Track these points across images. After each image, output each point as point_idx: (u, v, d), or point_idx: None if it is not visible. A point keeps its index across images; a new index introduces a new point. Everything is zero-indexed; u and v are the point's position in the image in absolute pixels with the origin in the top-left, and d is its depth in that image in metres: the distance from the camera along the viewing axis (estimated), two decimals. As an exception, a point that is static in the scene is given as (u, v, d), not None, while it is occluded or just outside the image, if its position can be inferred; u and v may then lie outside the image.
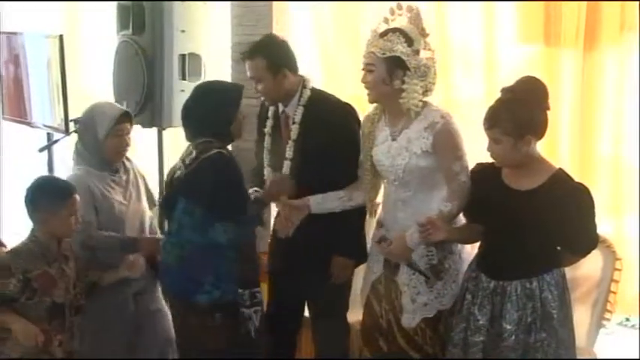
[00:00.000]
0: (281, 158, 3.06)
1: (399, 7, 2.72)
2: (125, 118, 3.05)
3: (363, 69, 2.75)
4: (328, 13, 4.42)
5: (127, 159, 3.18)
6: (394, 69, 2.65)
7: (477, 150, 4.10)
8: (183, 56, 3.73)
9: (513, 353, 2.52)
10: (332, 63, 4.42)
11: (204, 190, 2.66)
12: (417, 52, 2.67)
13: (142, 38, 3.70)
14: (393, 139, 2.76)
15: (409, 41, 2.65)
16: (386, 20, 2.73)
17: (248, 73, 3.08)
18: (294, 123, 3.05)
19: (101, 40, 4.65)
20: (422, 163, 2.68)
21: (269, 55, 3.00)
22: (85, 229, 2.87)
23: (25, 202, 2.74)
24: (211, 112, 2.74)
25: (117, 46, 3.83)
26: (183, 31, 3.73)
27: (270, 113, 3.18)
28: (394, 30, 2.66)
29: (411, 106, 2.67)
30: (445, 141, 2.66)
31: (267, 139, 3.16)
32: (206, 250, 2.70)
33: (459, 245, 2.77)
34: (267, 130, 3.16)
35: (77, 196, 2.74)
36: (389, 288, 2.80)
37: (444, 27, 4.29)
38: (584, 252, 2.61)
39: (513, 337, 2.52)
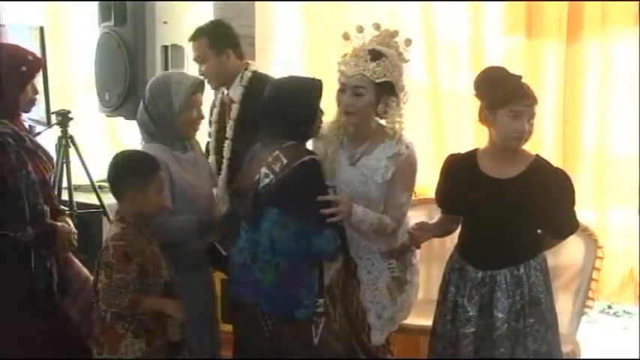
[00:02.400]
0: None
1: (377, 27, 2.62)
2: (199, 87, 2.74)
3: (342, 89, 2.59)
4: (315, 6, 4.42)
5: None
6: (383, 94, 2.57)
7: (460, 140, 4.16)
8: (165, 48, 3.71)
9: (507, 341, 2.51)
10: (318, 54, 4.42)
11: (303, 198, 2.45)
12: (400, 77, 2.63)
13: (124, 30, 3.68)
14: (352, 164, 2.65)
15: (396, 68, 2.60)
16: (346, 36, 2.62)
17: (192, 56, 3.09)
18: (233, 102, 3.06)
19: (83, 31, 4.63)
20: (382, 192, 2.62)
21: (211, 35, 3.04)
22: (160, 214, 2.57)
23: (111, 179, 2.54)
24: (298, 110, 2.51)
25: (99, 38, 3.81)
26: (165, 22, 3.71)
27: (217, 101, 3.19)
28: (385, 55, 2.57)
29: (397, 131, 2.61)
30: (404, 172, 2.61)
31: (214, 127, 3.16)
32: (303, 263, 2.51)
33: (417, 257, 2.76)
34: (214, 117, 3.18)
35: (162, 173, 2.52)
36: (345, 292, 2.71)
37: (430, 19, 4.31)
38: (565, 235, 2.62)
39: (506, 325, 2.51)
